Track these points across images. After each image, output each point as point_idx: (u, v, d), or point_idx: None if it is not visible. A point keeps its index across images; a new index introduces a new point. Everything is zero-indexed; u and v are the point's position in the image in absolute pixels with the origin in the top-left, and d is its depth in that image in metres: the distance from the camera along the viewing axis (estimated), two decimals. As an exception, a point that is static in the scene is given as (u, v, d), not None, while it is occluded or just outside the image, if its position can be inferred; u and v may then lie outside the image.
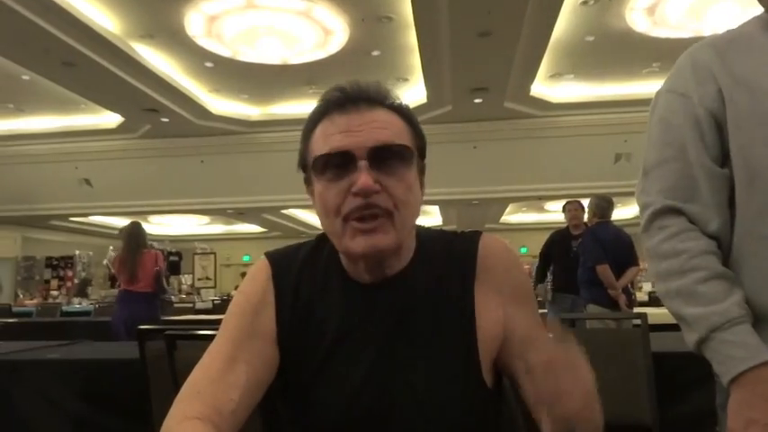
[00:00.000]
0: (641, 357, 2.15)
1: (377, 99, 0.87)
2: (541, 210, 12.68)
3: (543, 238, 5.46)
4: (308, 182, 0.91)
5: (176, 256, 11.72)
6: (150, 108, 8.98)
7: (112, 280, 5.31)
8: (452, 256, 0.94)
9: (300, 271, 0.94)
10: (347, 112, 0.85)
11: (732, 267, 0.97)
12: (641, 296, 7.64)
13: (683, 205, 0.98)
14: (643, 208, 1.04)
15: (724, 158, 0.99)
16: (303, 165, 0.90)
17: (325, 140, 0.85)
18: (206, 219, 13.87)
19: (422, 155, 0.91)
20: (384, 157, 0.83)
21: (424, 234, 0.95)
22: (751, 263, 0.94)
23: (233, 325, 0.93)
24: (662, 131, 1.04)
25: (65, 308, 8.26)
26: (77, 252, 13.64)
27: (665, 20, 6.66)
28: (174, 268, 11.38)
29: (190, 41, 7.09)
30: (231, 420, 0.85)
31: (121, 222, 13.51)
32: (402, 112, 0.88)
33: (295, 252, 0.96)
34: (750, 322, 0.91)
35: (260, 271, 0.97)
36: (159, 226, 14.44)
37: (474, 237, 0.97)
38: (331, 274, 0.93)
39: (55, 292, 12.86)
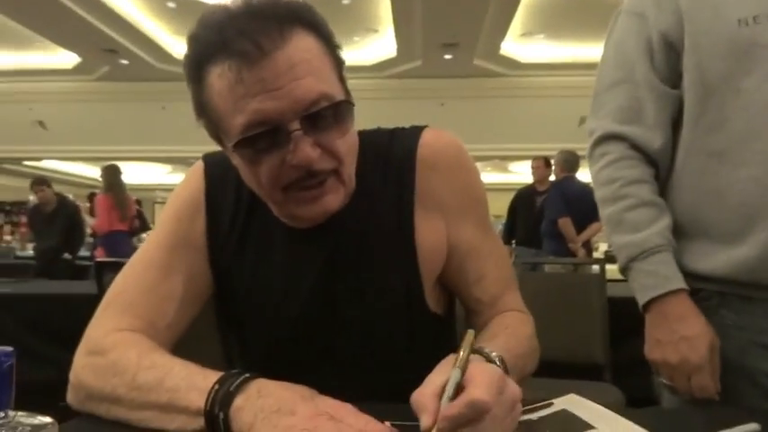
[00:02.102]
0: (597, 300, 2.21)
1: (286, 22, 0.68)
2: (506, 170, 12.80)
3: (507, 198, 5.51)
4: (216, 137, 0.76)
5: (136, 205, 11.48)
6: (109, 48, 8.61)
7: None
8: (390, 162, 0.83)
9: (238, 182, 0.82)
10: (257, 65, 0.66)
11: (672, 185, 1.00)
12: (597, 255, 7.84)
13: (627, 128, 0.99)
14: (589, 133, 1.04)
15: (674, 81, 0.99)
16: (205, 118, 0.74)
17: (237, 104, 0.68)
18: (168, 167, 13.56)
19: (340, 64, 0.76)
20: (318, 116, 0.70)
21: (361, 142, 0.82)
22: (694, 179, 0.96)
23: (167, 230, 0.84)
24: (614, 53, 1.04)
25: (19, 253, 8.01)
26: (31, 197, 13.21)
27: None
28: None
29: (152, -22, 6.78)
30: (167, 335, 0.79)
31: (76, 168, 13.10)
32: (313, 25, 0.72)
33: None
34: (670, 251, 0.94)
35: (194, 175, 0.87)
36: (118, 174, 14.04)
37: (414, 134, 0.85)
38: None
39: (8, 237, 12.46)
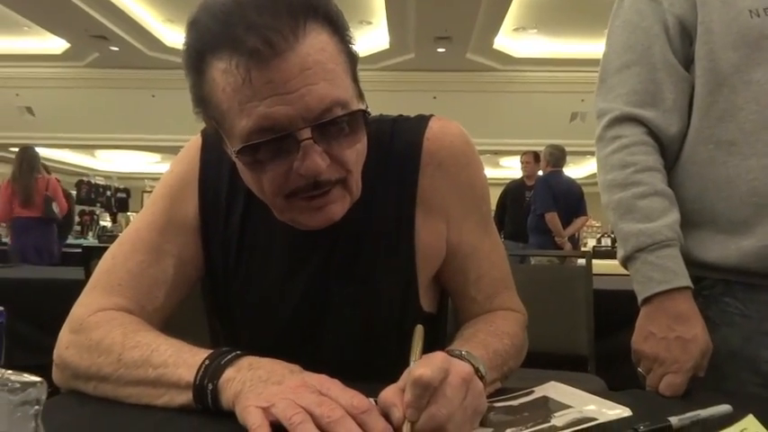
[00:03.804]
0: (583, 292, 2.23)
1: (300, 16, 0.63)
2: (497, 165, 12.82)
3: (497, 193, 5.53)
4: (216, 133, 0.71)
5: (124, 193, 11.39)
6: (99, 35, 8.52)
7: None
8: (392, 156, 0.80)
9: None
10: (267, 66, 0.61)
11: (678, 174, 0.98)
12: (585, 250, 7.89)
13: (644, 112, 0.95)
14: (600, 115, 1.00)
15: (689, 66, 0.97)
16: (205, 113, 0.70)
17: (242, 106, 0.63)
18: (157, 156, 13.47)
19: (354, 60, 0.72)
20: (331, 125, 0.65)
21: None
22: (702, 168, 0.95)
23: (159, 209, 0.81)
24: (626, 35, 0.99)
25: (5, 239, 7.94)
26: (18, 185, 13.04)
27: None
28: (123, 205, 11.07)
29: (143, -36, 6.72)
30: (155, 317, 0.77)
31: (65, 156, 12.99)
32: (329, 17, 0.67)
33: None
34: (678, 246, 0.91)
35: (189, 151, 0.83)
36: (107, 162, 13.94)
37: (419, 126, 0.82)
38: None
39: (-6, 225, 12.34)
